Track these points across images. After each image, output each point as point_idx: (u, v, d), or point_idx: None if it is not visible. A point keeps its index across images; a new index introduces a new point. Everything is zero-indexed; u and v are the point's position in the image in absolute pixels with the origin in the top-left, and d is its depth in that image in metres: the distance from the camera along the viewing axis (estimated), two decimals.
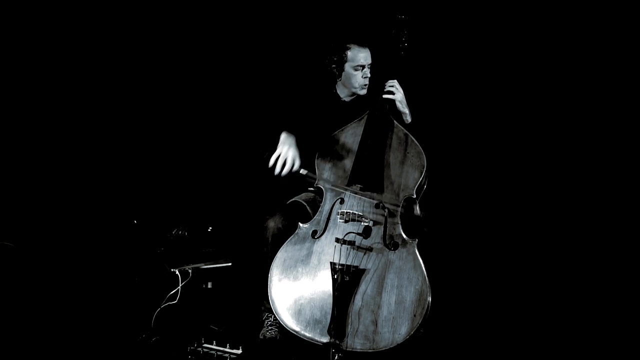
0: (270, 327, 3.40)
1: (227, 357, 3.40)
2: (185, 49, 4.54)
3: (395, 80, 3.60)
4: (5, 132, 4.32)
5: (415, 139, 3.43)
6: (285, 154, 3.34)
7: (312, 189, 3.54)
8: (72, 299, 3.90)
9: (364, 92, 3.72)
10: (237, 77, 4.56)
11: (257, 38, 4.53)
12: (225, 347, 3.43)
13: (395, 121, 3.51)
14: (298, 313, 3.19)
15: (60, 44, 4.39)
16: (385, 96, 3.56)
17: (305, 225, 3.36)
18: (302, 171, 3.40)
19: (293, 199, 3.61)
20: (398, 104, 3.58)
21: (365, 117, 3.54)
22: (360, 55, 3.66)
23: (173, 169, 4.56)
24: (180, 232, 4.11)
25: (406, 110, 3.61)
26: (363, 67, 3.66)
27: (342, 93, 3.77)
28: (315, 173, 3.44)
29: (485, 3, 4.28)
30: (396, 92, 3.57)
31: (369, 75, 3.68)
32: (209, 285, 4.08)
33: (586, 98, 4.19)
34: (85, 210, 4.36)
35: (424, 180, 3.39)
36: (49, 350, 3.49)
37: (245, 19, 4.53)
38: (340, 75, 3.71)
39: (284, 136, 3.41)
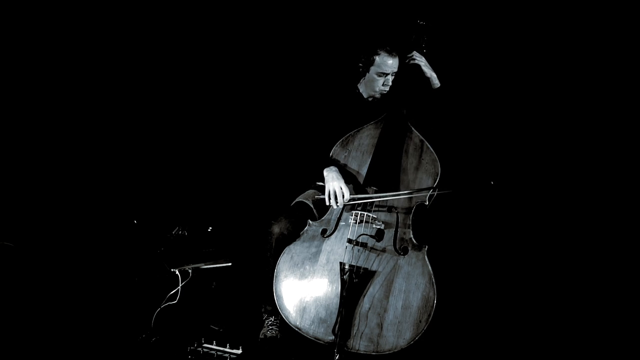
0: (270, 327, 3.40)
1: (227, 357, 3.41)
2: (185, 46, 4.52)
3: (414, 51, 3.63)
4: (5, 132, 4.29)
5: (431, 146, 3.48)
6: (339, 189, 3.36)
7: (320, 183, 3.53)
8: (72, 299, 3.87)
9: (383, 95, 3.68)
10: (241, 74, 4.54)
11: (267, 35, 4.50)
12: (225, 347, 3.44)
13: (412, 127, 3.55)
14: (303, 310, 3.21)
15: (60, 44, 4.37)
16: (412, 62, 3.60)
17: (315, 223, 3.37)
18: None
19: (299, 199, 3.60)
20: (424, 68, 3.62)
21: (383, 120, 3.57)
22: (387, 63, 3.60)
23: (173, 169, 4.54)
24: (180, 232, 4.11)
25: (433, 73, 3.64)
26: (387, 74, 3.62)
27: (364, 92, 3.75)
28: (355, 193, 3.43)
29: (505, 14, 4.22)
30: (419, 59, 3.62)
31: (390, 84, 3.64)
32: (213, 284, 4.08)
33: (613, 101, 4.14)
34: (85, 210, 4.34)
35: (436, 188, 3.42)
36: (49, 350, 3.47)
37: (256, 15, 4.50)
38: (364, 75, 3.69)
39: (327, 172, 3.44)
